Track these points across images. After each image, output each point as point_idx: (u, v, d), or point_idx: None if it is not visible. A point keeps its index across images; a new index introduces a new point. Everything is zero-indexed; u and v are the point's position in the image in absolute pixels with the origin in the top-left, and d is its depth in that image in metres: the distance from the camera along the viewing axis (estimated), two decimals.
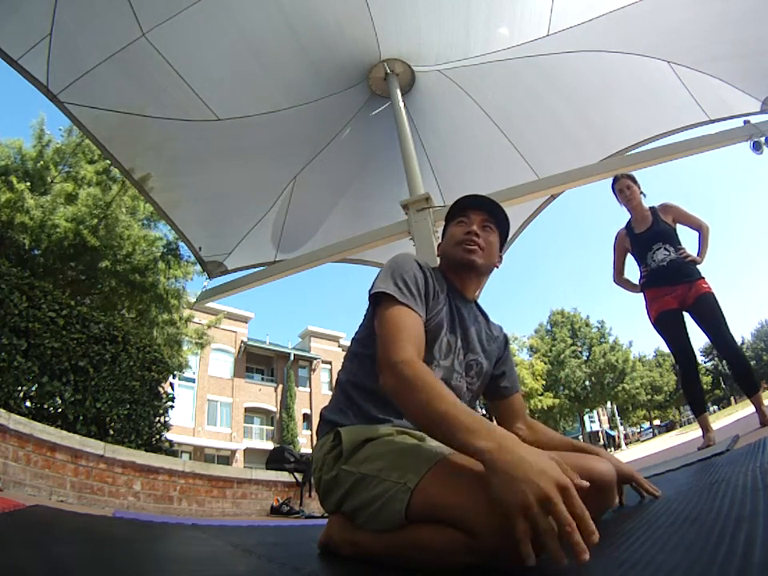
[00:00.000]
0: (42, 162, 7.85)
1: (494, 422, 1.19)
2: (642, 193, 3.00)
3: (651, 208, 2.97)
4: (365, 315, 1.14)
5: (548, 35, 3.31)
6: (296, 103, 3.74)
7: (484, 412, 3.69)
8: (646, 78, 3.52)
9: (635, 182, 3.00)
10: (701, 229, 2.87)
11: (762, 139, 3.03)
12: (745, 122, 3.20)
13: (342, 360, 1.16)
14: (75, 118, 3.20)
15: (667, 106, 3.67)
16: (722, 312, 2.65)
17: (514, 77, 3.72)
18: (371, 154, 4.38)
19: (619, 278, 3.19)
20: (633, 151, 3.85)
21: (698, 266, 2.80)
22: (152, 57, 3.06)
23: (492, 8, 3.27)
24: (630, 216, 3.04)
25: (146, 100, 3.35)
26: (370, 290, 1.03)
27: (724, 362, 2.96)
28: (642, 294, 2.97)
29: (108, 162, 7.06)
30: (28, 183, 7.36)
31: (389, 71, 3.69)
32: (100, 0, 2.82)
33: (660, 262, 2.81)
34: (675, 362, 2.87)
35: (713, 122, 3.57)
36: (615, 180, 3.00)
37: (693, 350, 2.81)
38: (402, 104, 3.64)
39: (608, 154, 3.91)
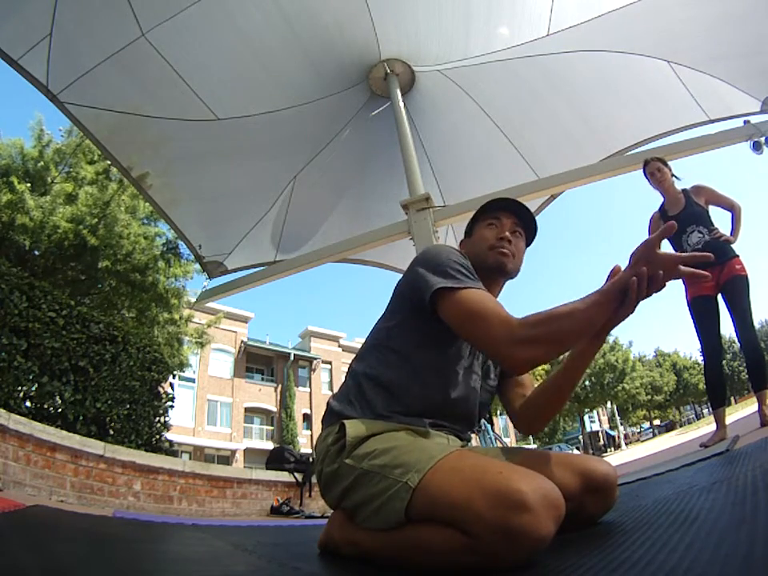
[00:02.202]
0: (42, 163, 7.83)
1: (493, 419, 1.18)
2: (674, 175, 2.99)
3: (683, 190, 2.96)
4: (388, 306, 1.12)
5: (548, 35, 3.32)
6: (296, 103, 3.74)
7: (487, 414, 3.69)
8: (646, 78, 3.52)
9: (665, 164, 2.98)
10: (733, 209, 2.87)
11: (762, 139, 3.03)
12: (745, 122, 3.21)
13: (359, 350, 1.13)
14: (75, 118, 3.20)
15: (667, 106, 3.68)
16: (748, 299, 2.65)
17: (514, 77, 3.72)
18: (371, 154, 4.38)
19: None
20: (633, 151, 3.85)
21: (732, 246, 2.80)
22: (151, 57, 3.06)
23: (492, 8, 3.28)
24: (663, 199, 3.03)
25: (145, 100, 3.35)
26: (409, 286, 1.02)
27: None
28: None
29: (108, 162, 7.05)
30: (28, 184, 7.34)
31: (389, 71, 3.69)
32: (100, 0, 2.82)
33: (695, 245, 2.80)
34: (701, 350, 2.85)
35: (713, 121, 3.57)
36: (646, 164, 2.99)
37: (720, 340, 2.81)
38: (401, 104, 3.64)
39: (608, 153, 3.91)
